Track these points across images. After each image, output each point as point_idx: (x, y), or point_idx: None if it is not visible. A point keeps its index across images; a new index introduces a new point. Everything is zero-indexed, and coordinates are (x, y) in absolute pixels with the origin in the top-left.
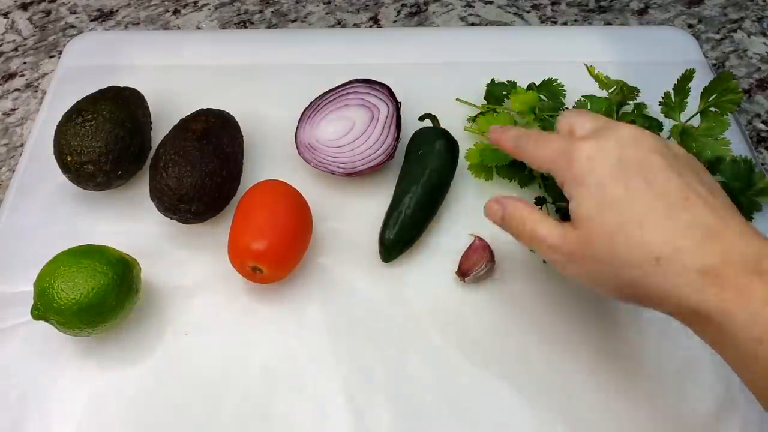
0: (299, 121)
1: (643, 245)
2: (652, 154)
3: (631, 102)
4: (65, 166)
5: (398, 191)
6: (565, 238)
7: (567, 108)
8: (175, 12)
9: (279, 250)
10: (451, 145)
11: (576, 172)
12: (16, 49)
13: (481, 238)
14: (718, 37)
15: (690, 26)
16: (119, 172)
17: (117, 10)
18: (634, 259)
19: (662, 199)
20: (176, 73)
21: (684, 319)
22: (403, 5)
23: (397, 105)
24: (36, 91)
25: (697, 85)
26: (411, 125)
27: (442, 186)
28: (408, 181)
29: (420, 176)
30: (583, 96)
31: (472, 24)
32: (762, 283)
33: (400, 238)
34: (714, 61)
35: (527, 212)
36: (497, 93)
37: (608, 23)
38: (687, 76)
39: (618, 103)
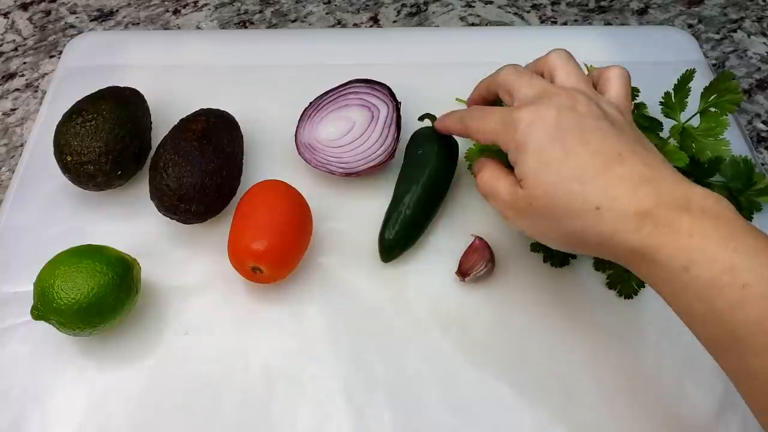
0: (299, 121)
1: (583, 197)
2: (587, 118)
3: (631, 102)
4: (65, 166)
5: (398, 191)
6: (515, 196)
7: None
8: (175, 12)
9: (279, 250)
10: (451, 144)
11: (518, 138)
12: (16, 49)
13: (481, 238)
14: (718, 37)
15: (690, 26)
16: (119, 172)
17: (117, 10)
18: (575, 210)
19: (597, 155)
20: (176, 73)
21: (623, 261)
22: (403, 5)
23: (397, 105)
24: (36, 91)
25: (697, 85)
26: (411, 125)
27: (442, 186)
28: (408, 181)
29: (420, 176)
30: None
31: (472, 24)
32: (689, 218)
33: (400, 238)
34: (714, 61)
35: (493, 168)
36: None
37: (608, 23)
38: (687, 76)
39: None
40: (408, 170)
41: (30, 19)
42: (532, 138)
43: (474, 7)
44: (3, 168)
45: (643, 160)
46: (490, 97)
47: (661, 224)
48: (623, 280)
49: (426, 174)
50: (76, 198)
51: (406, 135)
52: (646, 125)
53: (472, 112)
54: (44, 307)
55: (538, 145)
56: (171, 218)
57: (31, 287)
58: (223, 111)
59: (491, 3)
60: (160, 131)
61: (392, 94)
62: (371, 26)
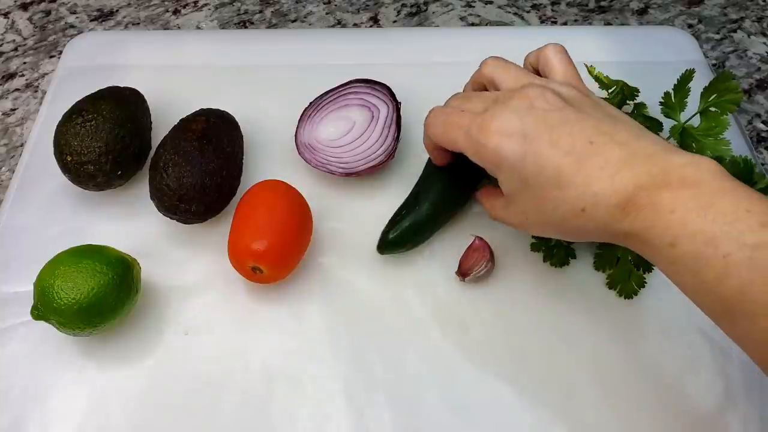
0: (299, 121)
1: (567, 202)
2: (549, 112)
3: (631, 102)
4: (65, 166)
5: (420, 191)
6: (510, 213)
7: None
8: (175, 12)
9: (279, 250)
10: None
11: (489, 160)
12: (16, 49)
13: (481, 238)
14: (718, 37)
15: (690, 26)
16: (119, 172)
17: (117, 10)
18: (565, 216)
19: (569, 155)
20: (176, 73)
21: (620, 242)
22: (403, 5)
23: (397, 105)
24: (36, 91)
25: (697, 85)
26: (411, 125)
27: (466, 198)
28: (431, 184)
29: (446, 184)
30: None
31: (472, 24)
32: (669, 193)
33: (406, 240)
34: (714, 61)
35: (485, 200)
36: None
37: (608, 23)
38: (687, 76)
39: (618, 103)
40: (435, 172)
41: (30, 19)
42: (503, 158)
43: (474, 7)
44: (3, 168)
45: (616, 140)
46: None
47: (644, 207)
48: (623, 280)
49: (455, 184)
50: (76, 198)
51: (406, 135)
52: (646, 125)
53: (435, 119)
54: (44, 307)
55: (511, 165)
56: (171, 218)
57: (31, 287)
58: (223, 111)
59: (491, 3)
60: (160, 131)
61: (392, 94)
62: (371, 26)
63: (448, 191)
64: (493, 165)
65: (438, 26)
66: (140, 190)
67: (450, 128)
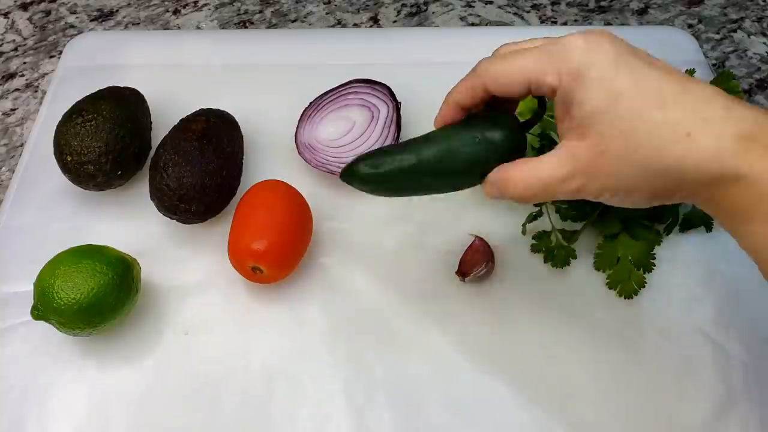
0: (299, 121)
1: (669, 124)
2: (633, 46)
3: None
4: (65, 166)
5: (430, 137)
6: (574, 158)
7: None
8: (175, 12)
9: (279, 250)
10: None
11: (573, 68)
12: (16, 49)
13: (481, 238)
14: (718, 37)
15: (690, 26)
16: (119, 172)
17: (117, 10)
18: (662, 142)
19: (672, 74)
20: (176, 73)
21: (709, 192)
22: (403, 5)
23: (397, 105)
24: (36, 91)
25: None
26: (411, 125)
27: (467, 178)
28: (454, 137)
29: (471, 143)
30: None
31: (472, 24)
32: None
33: (379, 182)
34: (714, 61)
35: (521, 171)
36: None
37: (608, 23)
38: None
39: None
40: (463, 127)
41: (30, 19)
42: (593, 66)
43: (474, 7)
44: (3, 168)
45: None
46: (476, 99)
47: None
48: (623, 280)
49: (480, 144)
50: (76, 198)
51: (406, 135)
52: None
53: (494, 58)
54: (44, 307)
55: (603, 74)
56: (171, 218)
57: (31, 287)
58: (223, 111)
59: (491, 3)
60: (160, 131)
61: (392, 94)
62: (371, 26)
63: (458, 157)
64: (575, 77)
65: (438, 26)
66: (140, 190)
67: (518, 55)
